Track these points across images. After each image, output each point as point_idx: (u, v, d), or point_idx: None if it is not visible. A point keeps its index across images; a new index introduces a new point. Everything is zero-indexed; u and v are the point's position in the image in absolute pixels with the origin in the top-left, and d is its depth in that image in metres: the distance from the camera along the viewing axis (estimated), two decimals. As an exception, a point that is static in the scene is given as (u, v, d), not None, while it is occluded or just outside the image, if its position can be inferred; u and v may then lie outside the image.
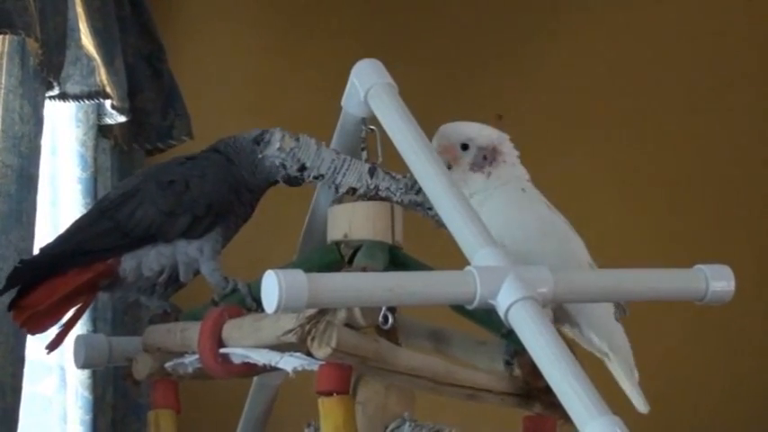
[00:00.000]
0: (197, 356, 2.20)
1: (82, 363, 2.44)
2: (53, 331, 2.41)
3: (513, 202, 2.29)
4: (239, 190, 2.36)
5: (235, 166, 2.36)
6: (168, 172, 2.36)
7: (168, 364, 2.29)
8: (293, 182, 2.38)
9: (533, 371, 2.06)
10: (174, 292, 2.40)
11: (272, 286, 1.78)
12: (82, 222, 2.42)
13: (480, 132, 2.34)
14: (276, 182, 2.39)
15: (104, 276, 2.33)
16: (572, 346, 2.22)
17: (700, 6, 4.32)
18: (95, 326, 3.08)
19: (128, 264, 2.32)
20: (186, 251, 2.32)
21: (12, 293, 2.33)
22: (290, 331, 1.98)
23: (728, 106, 4.29)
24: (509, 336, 2.14)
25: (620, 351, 2.31)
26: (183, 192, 2.32)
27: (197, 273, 2.35)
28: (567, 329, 2.30)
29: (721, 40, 4.32)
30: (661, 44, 4.29)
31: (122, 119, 3.16)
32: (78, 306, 2.36)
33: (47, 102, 2.91)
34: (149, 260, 2.32)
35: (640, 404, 2.32)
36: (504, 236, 2.21)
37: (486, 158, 2.32)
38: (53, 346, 2.39)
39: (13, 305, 2.31)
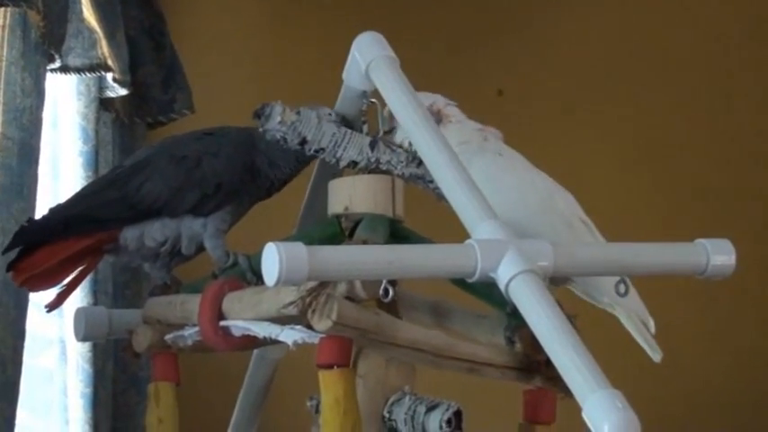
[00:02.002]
0: (197, 329, 2.20)
1: (82, 336, 2.44)
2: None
3: (490, 172, 2.26)
4: (256, 172, 2.35)
5: (257, 150, 2.34)
6: (183, 146, 2.35)
7: (168, 337, 2.29)
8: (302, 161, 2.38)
9: (534, 344, 2.06)
10: (178, 264, 2.40)
11: (272, 259, 1.77)
12: (92, 188, 2.43)
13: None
14: (298, 170, 2.39)
15: (105, 243, 2.33)
16: (573, 319, 2.22)
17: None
18: (96, 299, 3.09)
19: (129, 233, 2.32)
20: (191, 225, 2.32)
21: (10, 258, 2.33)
22: (291, 304, 1.98)
23: (732, 80, 4.29)
24: (514, 314, 2.14)
25: (626, 301, 2.28)
26: (193, 168, 2.31)
27: (201, 247, 2.35)
28: (573, 287, 2.30)
29: (724, 19, 4.31)
30: (663, 20, 4.28)
31: (123, 92, 3.17)
32: (82, 267, 2.36)
33: (48, 74, 2.91)
34: (152, 231, 2.32)
35: (654, 353, 2.31)
36: None
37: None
38: (53, 305, 2.39)
39: (12, 266, 2.31)
